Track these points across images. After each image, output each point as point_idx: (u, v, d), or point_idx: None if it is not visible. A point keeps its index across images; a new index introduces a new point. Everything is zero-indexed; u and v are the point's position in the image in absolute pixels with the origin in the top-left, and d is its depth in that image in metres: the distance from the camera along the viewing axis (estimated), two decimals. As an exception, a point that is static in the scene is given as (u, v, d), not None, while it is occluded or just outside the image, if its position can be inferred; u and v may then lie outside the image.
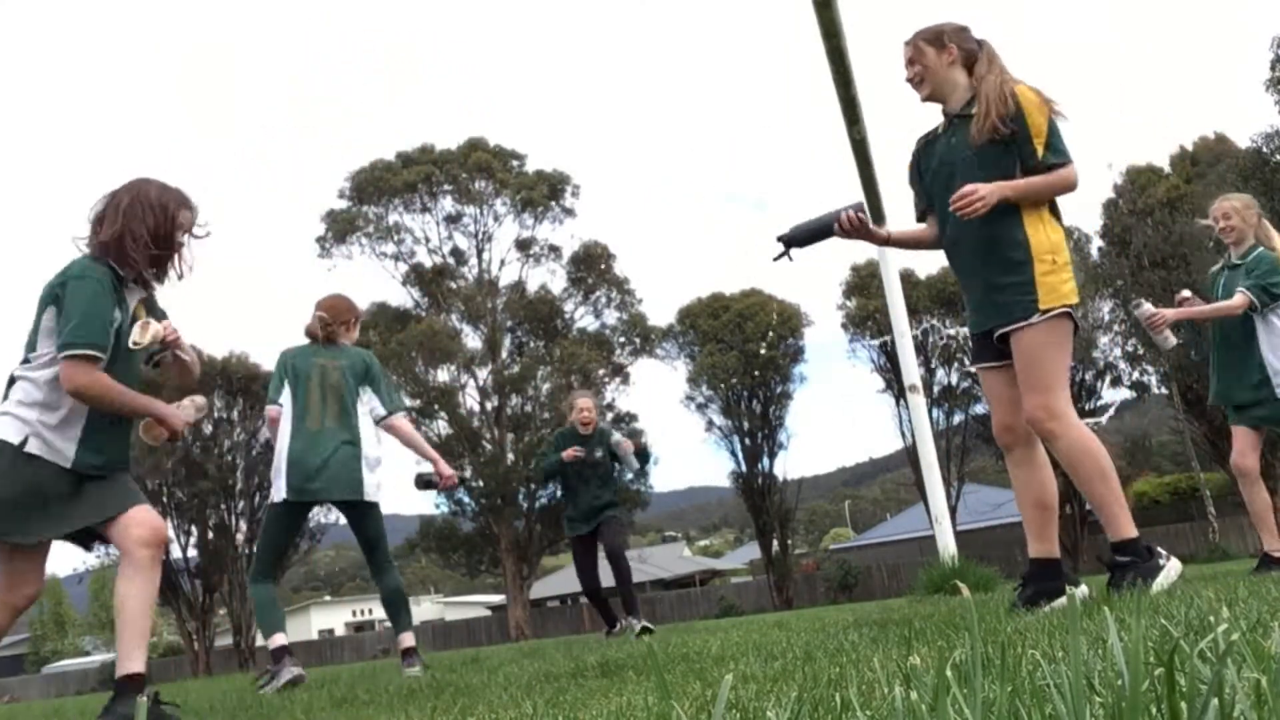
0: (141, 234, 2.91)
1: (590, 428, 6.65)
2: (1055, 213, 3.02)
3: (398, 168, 30.83)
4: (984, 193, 2.87)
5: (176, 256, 3.05)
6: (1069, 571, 3.36)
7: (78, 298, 2.80)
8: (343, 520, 4.88)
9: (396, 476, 14.27)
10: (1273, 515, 4.66)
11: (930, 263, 30.60)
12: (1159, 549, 2.89)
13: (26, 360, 2.90)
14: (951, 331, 26.94)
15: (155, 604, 3.24)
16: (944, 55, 3.10)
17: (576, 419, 6.64)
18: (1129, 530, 2.87)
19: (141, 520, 2.89)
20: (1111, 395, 27.56)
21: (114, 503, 2.90)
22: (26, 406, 2.85)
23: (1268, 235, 4.73)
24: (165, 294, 3.26)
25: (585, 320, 31.70)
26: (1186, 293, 4.90)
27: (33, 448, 2.81)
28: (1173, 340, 4.48)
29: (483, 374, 30.16)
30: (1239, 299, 4.50)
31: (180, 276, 3.10)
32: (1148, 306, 4.51)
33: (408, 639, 4.69)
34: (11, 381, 2.94)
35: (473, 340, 30.46)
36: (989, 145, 2.96)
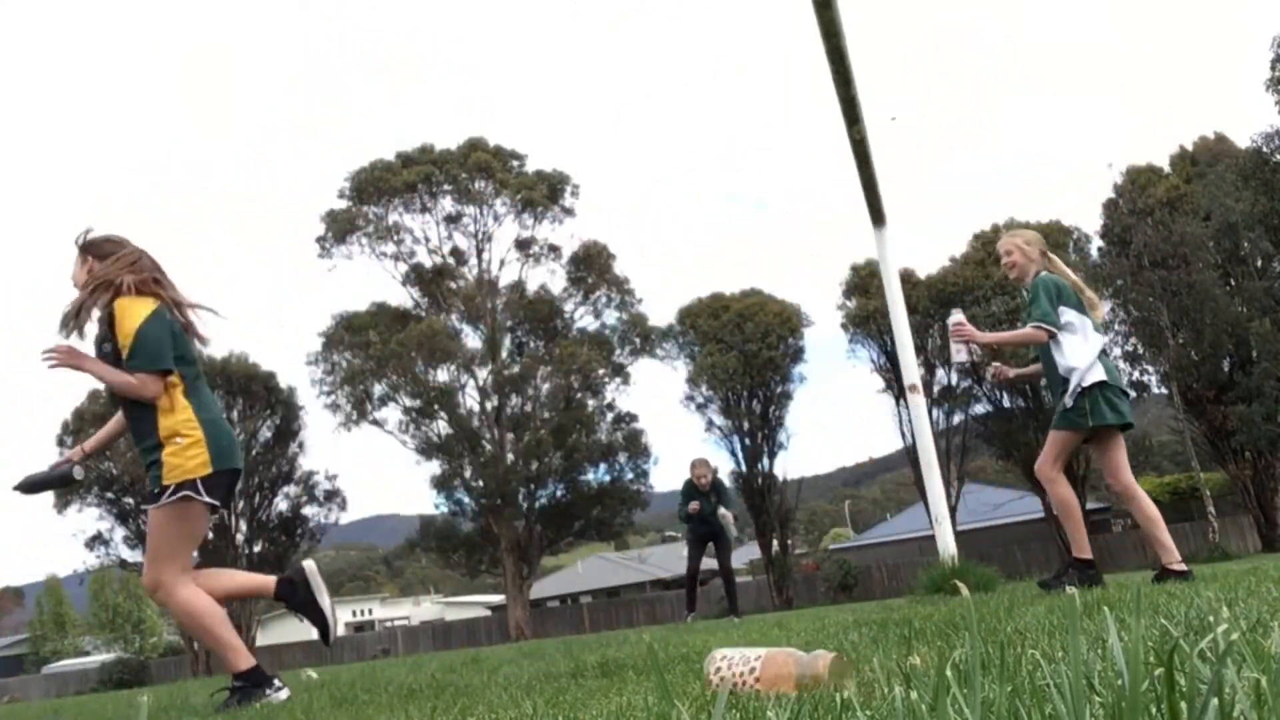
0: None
1: (705, 482, 9.46)
2: (186, 394, 3.11)
3: (398, 168, 30.79)
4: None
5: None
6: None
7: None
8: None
9: (393, 476, 14.26)
10: (1081, 522, 4.71)
11: (930, 262, 30.61)
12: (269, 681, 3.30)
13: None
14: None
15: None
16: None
17: (693, 477, 9.48)
18: (242, 664, 3.22)
19: None
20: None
21: None
22: None
23: (1052, 266, 4.78)
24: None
25: (585, 320, 31.70)
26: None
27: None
28: (965, 355, 4.70)
29: (482, 374, 30.15)
30: (1031, 332, 4.59)
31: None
32: (959, 314, 4.76)
33: None
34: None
35: (473, 340, 30.47)
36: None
